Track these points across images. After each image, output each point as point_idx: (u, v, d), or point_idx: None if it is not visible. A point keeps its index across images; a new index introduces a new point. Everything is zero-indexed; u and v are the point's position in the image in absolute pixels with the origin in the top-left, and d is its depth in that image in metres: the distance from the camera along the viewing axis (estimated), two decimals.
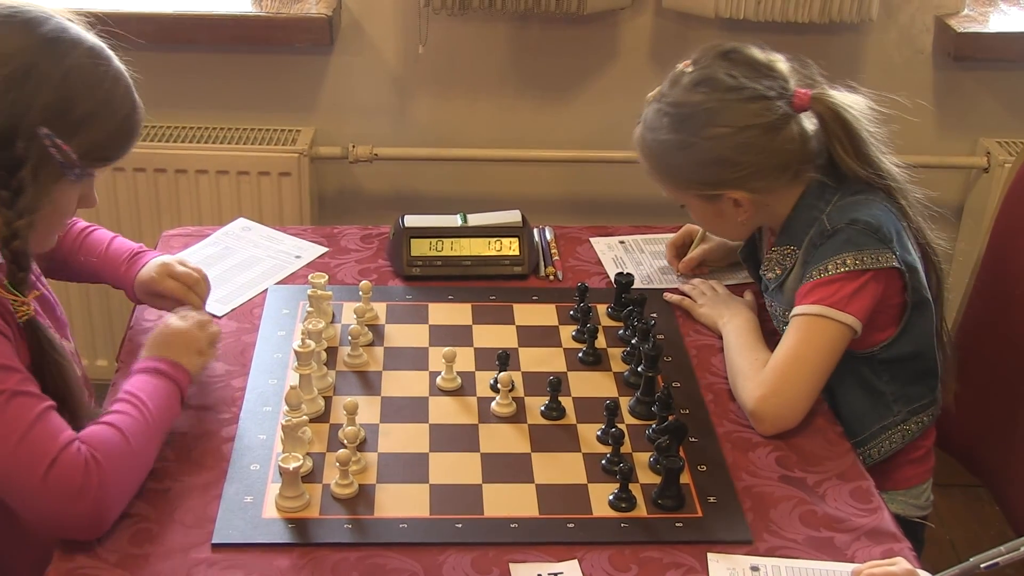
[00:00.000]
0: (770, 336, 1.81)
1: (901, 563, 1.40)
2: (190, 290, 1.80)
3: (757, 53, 1.77)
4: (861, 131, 1.75)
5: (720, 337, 1.87)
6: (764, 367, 1.71)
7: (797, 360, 1.69)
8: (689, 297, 1.98)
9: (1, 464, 1.39)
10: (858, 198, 1.76)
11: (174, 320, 1.68)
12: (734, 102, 1.72)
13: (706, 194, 1.78)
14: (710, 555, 1.46)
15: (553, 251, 2.15)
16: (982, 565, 1.37)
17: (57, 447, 1.40)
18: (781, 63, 1.77)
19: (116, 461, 1.44)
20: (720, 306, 1.92)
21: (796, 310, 1.72)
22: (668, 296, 1.99)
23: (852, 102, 1.76)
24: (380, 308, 1.94)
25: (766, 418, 1.67)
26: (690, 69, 1.77)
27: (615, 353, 1.85)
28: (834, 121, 1.74)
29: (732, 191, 1.75)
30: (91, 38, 1.51)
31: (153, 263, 1.82)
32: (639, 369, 1.74)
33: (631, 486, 1.54)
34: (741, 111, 1.71)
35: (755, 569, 1.44)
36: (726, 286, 1.99)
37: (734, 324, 1.84)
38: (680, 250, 2.10)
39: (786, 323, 1.76)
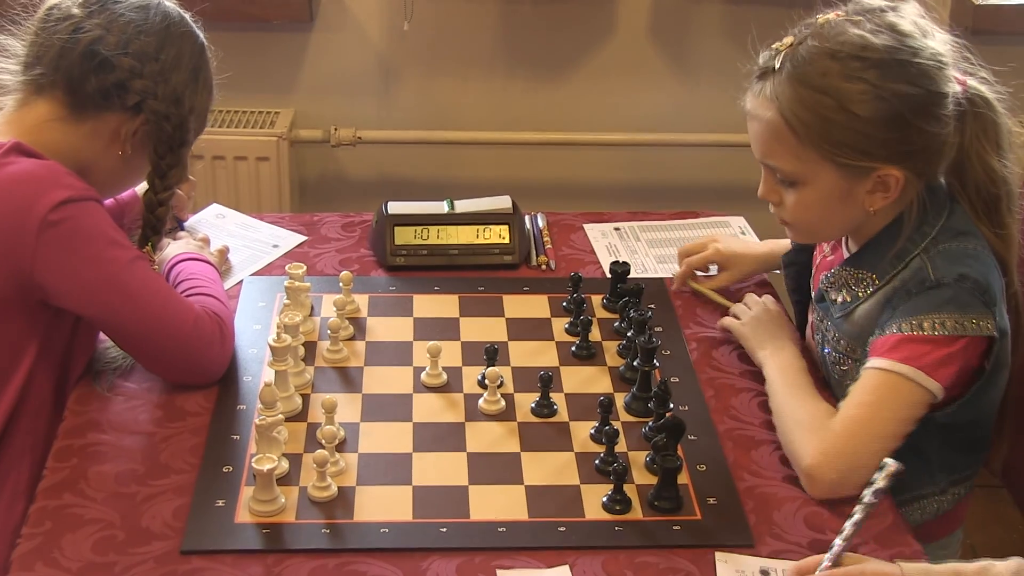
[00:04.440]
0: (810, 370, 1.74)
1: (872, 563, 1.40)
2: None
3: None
4: (1005, 131, 1.66)
5: (723, 334, 1.88)
6: (827, 419, 1.58)
7: (873, 421, 1.55)
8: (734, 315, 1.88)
9: (159, 314, 1.65)
10: (965, 244, 1.62)
11: (172, 242, 1.95)
12: (921, 58, 1.57)
13: (856, 165, 1.59)
14: (718, 555, 1.46)
15: (545, 239, 2.14)
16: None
17: (192, 304, 1.70)
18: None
19: (225, 314, 1.75)
20: (763, 333, 1.79)
21: (877, 363, 1.58)
22: (721, 322, 1.89)
23: (994, 97, 1.65)
24: (362, 300, 1.94)
25: (824, 481, 1.54)
26: (858, 18, 1.60)
27: (610, 347, 1.85)
28: (986, 117, 1.63)
29: (891, 167, 1.58)
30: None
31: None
32: (635, 363, 1.74)
33: (626, 487, 1.54)
34: (927, 70, 1.57)
35: (765, 573, 1.43)
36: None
37: (779, 361, 1.72)
38: (690, 260, 2.01)
39: (839, 351, 1.71)
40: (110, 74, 1.65)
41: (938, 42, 1.61)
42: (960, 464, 1.75)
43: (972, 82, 1.64)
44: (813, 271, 1.87)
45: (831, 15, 1.62)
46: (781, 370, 1.70)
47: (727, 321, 1.86)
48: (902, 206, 1.64)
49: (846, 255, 1.75)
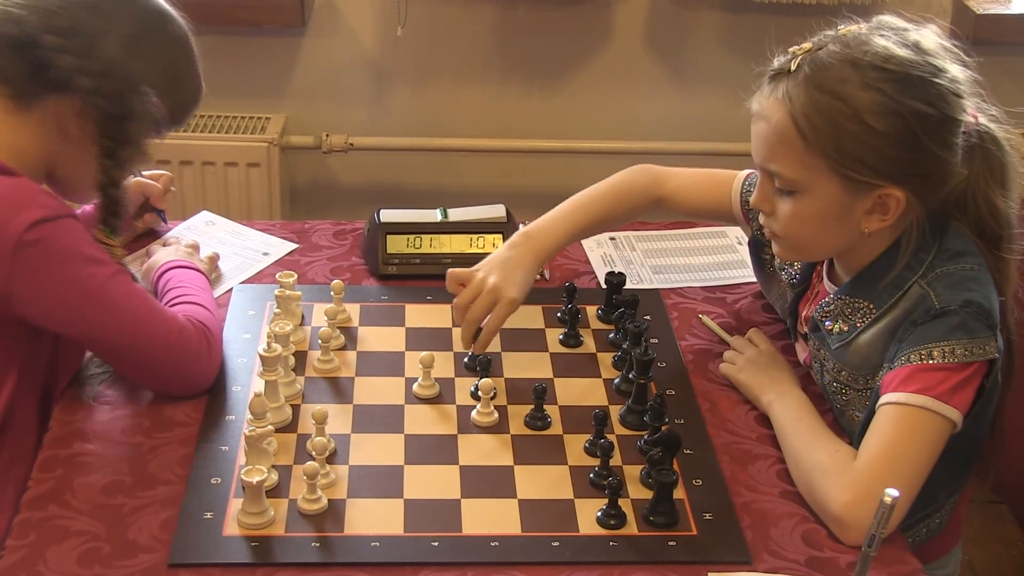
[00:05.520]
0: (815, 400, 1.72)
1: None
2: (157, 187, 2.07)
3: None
4: (1012, 172, 1.64)
5: (720, 346, 1.87)
6: (849, 460, 1.54)
7: (898, 458, 1.51)
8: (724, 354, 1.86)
9: (142, 327, 1.64)
10: (963, 265, 1.61)
11: (161, 248, 1.96)
12: (941, 80, 1.55)
13: (861, 180, 1.56)
14: (711, 575, 1.45)
15: None
16: None
17: (176, 315, 1.69)
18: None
19: (212, 324, 1.74)
20: (763, 377, 1.76)
21: (892, 397, 1.55)
22: (719, 369, 1.85)
23: (1003, 136, 1.64)
24: (353, 309, 1.94)
25: (856, 525, 1.48)
26: (884, 32, 1.59)
27: (605, 358, 1.85)
28: (994, 156, 1.62)
29: (895, 187, 1.56)
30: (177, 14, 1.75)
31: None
32: (631, 375, 1.74)
33: (621, 501, 1.54)
34: (945, 93, 1.56)
35: None
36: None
37: (786, 404, 1.69)
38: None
39: (839, 381, 1.69)
40: (35, 53, 1.58)
41: (957, 70, 1.60)
42: (960, 480, 1.75)
43: (983, 119, 1.63)
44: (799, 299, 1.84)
45: (853, 27, 1.61)
46: (790, 415, 1.67)
47: (724, 368, 1.83)
48: (897, 233, 1.63)
49: (829, 288, 1.74)
